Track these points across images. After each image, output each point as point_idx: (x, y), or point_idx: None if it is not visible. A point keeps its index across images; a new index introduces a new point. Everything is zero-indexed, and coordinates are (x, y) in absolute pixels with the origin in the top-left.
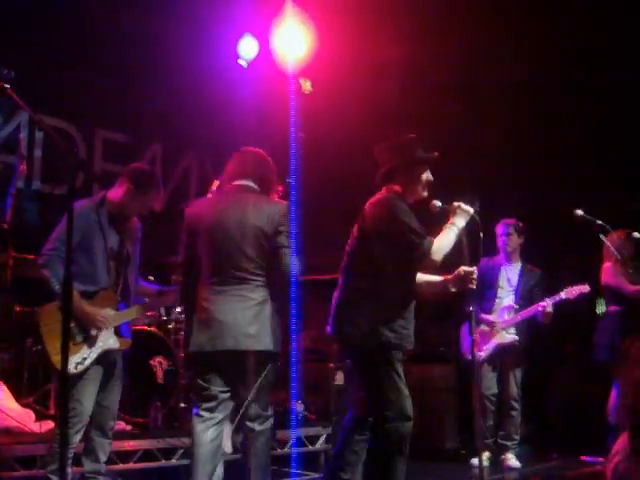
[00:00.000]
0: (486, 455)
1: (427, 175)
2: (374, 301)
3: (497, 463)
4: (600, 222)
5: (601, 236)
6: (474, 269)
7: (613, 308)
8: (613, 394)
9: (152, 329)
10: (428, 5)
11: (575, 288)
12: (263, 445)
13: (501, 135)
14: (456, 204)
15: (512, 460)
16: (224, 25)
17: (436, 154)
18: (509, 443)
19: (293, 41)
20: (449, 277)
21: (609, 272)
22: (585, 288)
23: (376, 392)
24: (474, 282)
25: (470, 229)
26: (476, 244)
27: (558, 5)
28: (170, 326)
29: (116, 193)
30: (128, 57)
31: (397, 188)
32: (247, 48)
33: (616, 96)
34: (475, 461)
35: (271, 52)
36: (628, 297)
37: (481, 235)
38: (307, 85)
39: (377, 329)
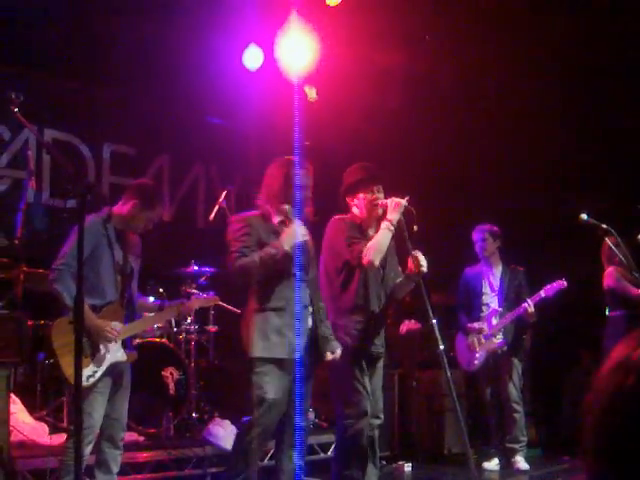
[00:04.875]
0: (495, 461)
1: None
2: (335, 307)
3: (506, 467)
4: (605, 226)
5: (606, 240)
6: (418, 254)
7: (617, 312)
8: None
9: (163, 340)
10: (433, 13)
11: (553, 285)
12: None
13: (506, 140)
14: (390, 199)
15: (521, 463)
16: (230, 34)
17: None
18: (517, 446)
19: (298, 50)
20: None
21: (612, 276)
22: (562, 284)
23: (336, 391)
24: (423, 267)
25: (407, 220)
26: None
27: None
28: (181, 337)
29: (122, 208)
30: (135, 69)
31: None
32: (252, 57)
33: (601, 97)
34: (487, 465)
35: (276, 61)
36: (633, 300)
37: (415, 227)
38: (312, 93)
39: (336, 333)
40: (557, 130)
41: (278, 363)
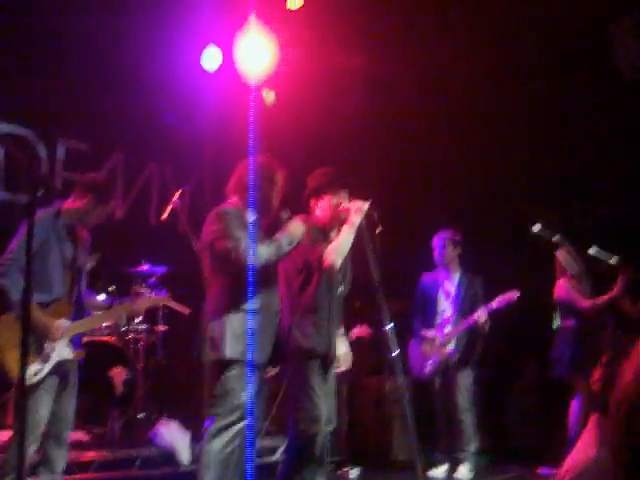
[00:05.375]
0: (443, 468)
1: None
2: (292, 308)
3: (453, 474)
4: (557, 237)
5: (557, 252)
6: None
7: (569, 323)
8: (573, 406)
9: (111, 339)
10: (393, 20)
11: (505, 296)
12: None
13: (463, 148)
14: (352, 203)
15: (462, 472)
16: (188, 34)
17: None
18: (462, 455)
19: (256, 52)
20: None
21: (562, 287)
22: (513, 295)
23: (290, 395)
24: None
25: (368, 223)
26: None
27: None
28: (129, 336)
29: (75, 204)
30: (91, 65)
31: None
32: (211, 58)
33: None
34: (433, 473)
35: (235, 63)
36: (582, 312)
37: (378, 229)
38: (270, 97)
39: (291, 334)
40: (519, 136)
41: (252, 367)
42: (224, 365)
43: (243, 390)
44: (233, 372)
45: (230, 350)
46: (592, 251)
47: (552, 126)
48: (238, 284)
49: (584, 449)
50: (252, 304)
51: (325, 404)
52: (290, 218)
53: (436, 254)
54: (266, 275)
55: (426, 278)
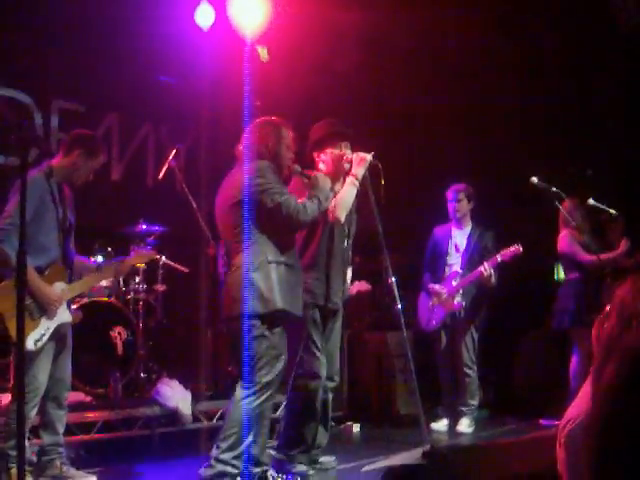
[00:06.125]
0: (444, 422)
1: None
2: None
3: (454, 428)
4: (555, 189)
5: (556, 203)
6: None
7: (573, 275)
8: (574, 360)
9: (111, 300)
10: None
11: (509, 250)
12: None
13: (459, 102)
14: (355, 154)
15: (463, 426)
16: None
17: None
18: (464, 409)
19: (250, 8)
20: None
21: (565, 240)
22: (518, 249)
23: (292, 350)
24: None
25: (372, 175)
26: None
27: None
28: (129, 297)
29: (64, 161)
30: (85, 25)
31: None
32: (204, 15)
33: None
34: (435, 426)
35: (228, 19)
36: (583, 265)
37: (382, 181)
38: (264, 53)
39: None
40: (516, 89)
41: (292, 321)
42: (272, 319)
43: (284, 346)
44: (278, 328)
45: (282, 302)
46: (591, 202)
47: (547, 79)
48: (276, 239)
49: (585, 400)
50: (289, 259)
51: (328, 360)
52: (302, 173)
53: (450, 207)
54: (294, 232)
55: (437, 231)
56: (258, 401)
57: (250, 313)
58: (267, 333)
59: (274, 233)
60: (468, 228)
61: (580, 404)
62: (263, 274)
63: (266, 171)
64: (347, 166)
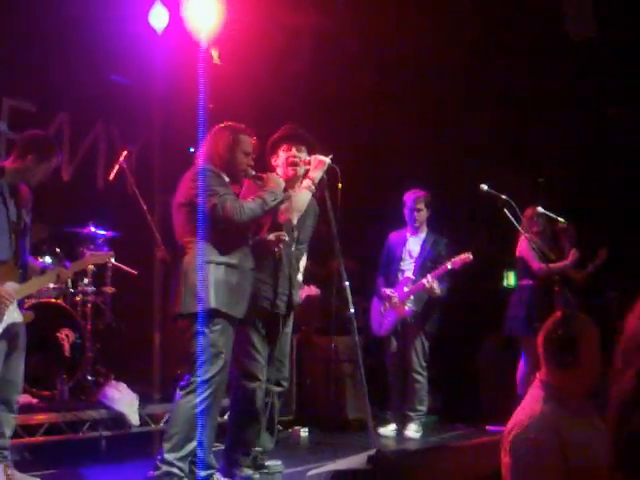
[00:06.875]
0: (392, 426)
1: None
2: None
3: (402, 433)
4: (504, 197)
5: (505, 211)
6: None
7: (525, 282)
8: (521, 366)
9: (59, 301)
10: None
11: (459, 258)
12: None
13: (412, 107)
14: (313, 157)
15: (411, 431)
16: None
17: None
18: (412, 414)
19: (204, 10)
20: None
21: (524, 244)
22: (468, 257)
23: (233, 351)
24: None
25: (329, 178)
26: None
27: None
28: (77, 298)
29: (17, 163)
30: (37, 23)
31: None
32: (158, 16)
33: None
34: (383, 430)
35: (182, 21)
36: (534, 273)
37: (339, 185)
38: (216, 55)
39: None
40: (469, 96)
41: (232, 321)
42: (207, 318)
43: (224, 345)
44: (217, 326)
45: (215, 301)
46: (540, 210)
47: (505, 82)
48: (218, 239)
49: (530, 405)
50: (232, 259)
51: (277, 365)
52: (255, 176)
53: (407, 214)
54: (242, 232)
55: (392, 237)
56: (197, 399)
57: (187, 312)
58: (205, 331)
59: (216, 234)
60: (423, 234)
61: (523, 410)
62: (202, 274)
63: (205, 175)
64: (302, 169)
